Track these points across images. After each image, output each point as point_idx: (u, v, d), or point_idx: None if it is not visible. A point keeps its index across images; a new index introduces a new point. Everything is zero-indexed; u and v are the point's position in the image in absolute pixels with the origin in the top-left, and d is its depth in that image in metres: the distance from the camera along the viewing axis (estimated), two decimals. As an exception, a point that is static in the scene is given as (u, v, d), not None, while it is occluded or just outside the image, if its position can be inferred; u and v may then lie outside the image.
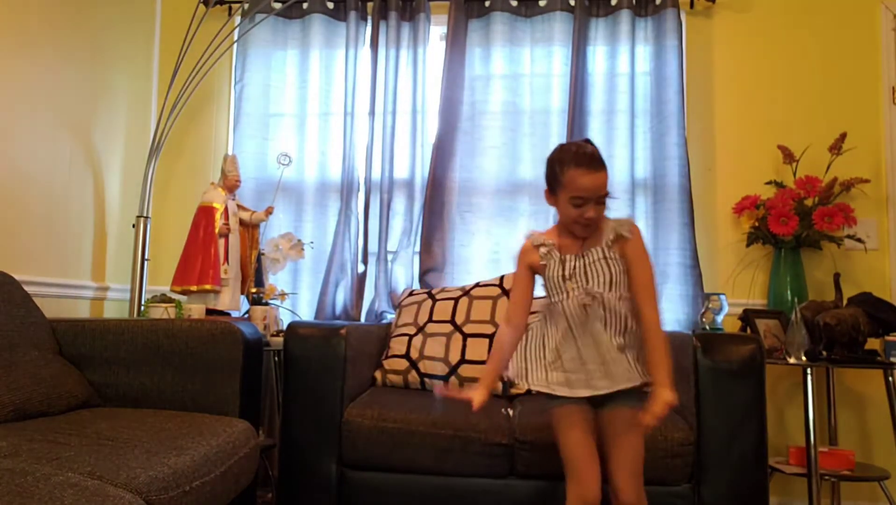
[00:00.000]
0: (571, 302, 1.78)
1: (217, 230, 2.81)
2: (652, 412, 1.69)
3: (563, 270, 1.79)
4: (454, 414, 2.17)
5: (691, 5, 3.20)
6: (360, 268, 3.16)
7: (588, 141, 1.81)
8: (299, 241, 3.06)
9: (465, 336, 2.62)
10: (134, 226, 3.02)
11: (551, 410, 1.84)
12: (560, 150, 1.81)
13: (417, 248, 3.15)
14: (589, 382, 1.77)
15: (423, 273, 3.11)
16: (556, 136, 3.14)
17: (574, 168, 1.73)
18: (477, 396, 1.84)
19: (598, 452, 1.80)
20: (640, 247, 1.80)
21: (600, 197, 1.74)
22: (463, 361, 2.56)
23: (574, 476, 1.79)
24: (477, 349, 2.57)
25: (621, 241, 1.79)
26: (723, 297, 2.83)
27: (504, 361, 1.89)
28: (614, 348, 1.75)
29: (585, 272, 1.78)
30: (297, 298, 3.22)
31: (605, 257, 1.78)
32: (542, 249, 1.83)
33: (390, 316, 3.10)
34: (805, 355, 2.47)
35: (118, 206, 3.19)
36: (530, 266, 1.87)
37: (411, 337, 2.69)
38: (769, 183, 3.07)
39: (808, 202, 2.92)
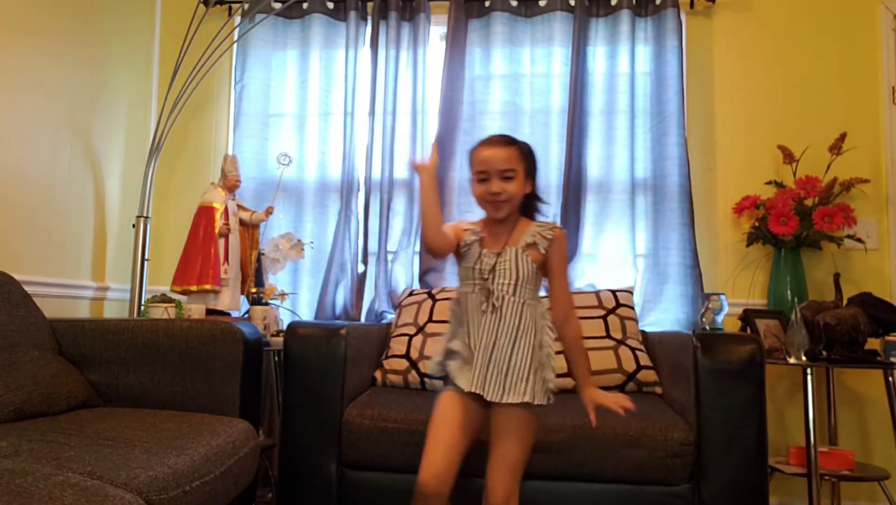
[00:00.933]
0: (474, 297, 1.79)
1: (217, 230, 2.81)
2: (595, 409, 1.80)
3: (480, 264, 1.80)
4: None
5: (691, 5, 3.20)
6: (361, 268, 3.16)
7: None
8: (299, 241, 3.06)
9: (465, 336, 2.61)
10: (134, 226, 3.02)
11: (439, 395, 1.84)
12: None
13: (417, 248, 3.15)
14: (476, 377, 1.75)
15: (423, 273, 3.11)
16: (557, 136, 3.14)
17: (478, 146, 1.83)
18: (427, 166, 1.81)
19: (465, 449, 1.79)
20: (560, 253, 1.84)
21: (503, 172, 1.77)
22: (463, 361, 2.56)
23: (422, 461, 1.76)
24: (477, 349, 2.57)
25: (537, 246, 1.81)
26: (723, 297, 2.83)
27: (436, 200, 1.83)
28: (508, 352, 1.75)
29: (494, 270, 1.79)
30: (297, 298, 3.22)
31: (516, 259, 1.79)
32: (469, 236, 1.84)
33: (390, 316, 3.10)
34: (805, 355, 2.47)
35: (118, 206, 3.19)
36: (457, 238, 1.85)
37: (411, 337, 2.69)
38: (769, 183, 3.07)
39: (808, 202, 2.92)
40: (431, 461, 1.74)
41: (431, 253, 1.86)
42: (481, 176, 1.79)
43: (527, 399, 1.74)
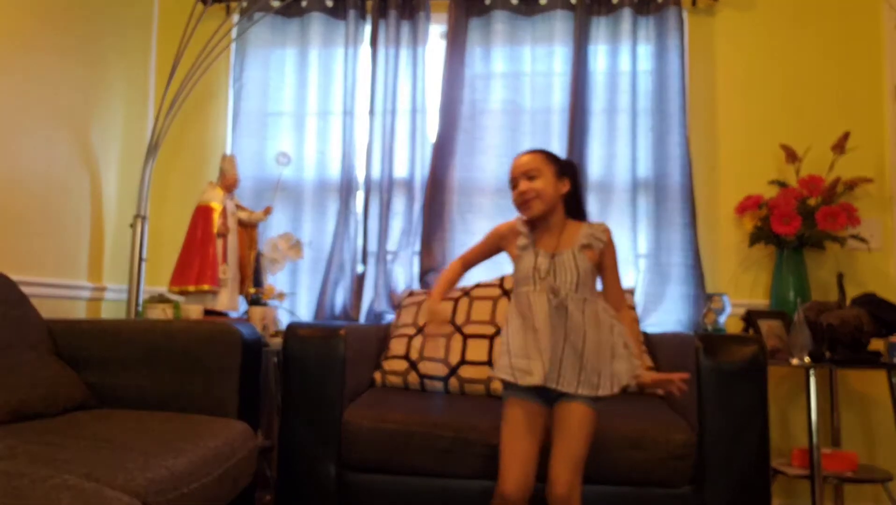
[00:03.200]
0: (537, 296, 1.87)
1: (215, 230, 2.80)
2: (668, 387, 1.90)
3: (537, 264, 1.90)
4: (454, 415, 2.16)
5: (693, 3, 3.19)
6: (360, 268, 3.14)
7: None
8: (298, 241, 3.05)
9: (465, 337, 2.60)
10: (131, 226, 3.00)
11: (503, 402, 1.91)
12: None
13: (417, 249, 3.14)
14: (549, 371, 1.82)
15: (423, 273, 3.10)
16: (557, 135, 3.13)
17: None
18: (432, 304, 2.00)
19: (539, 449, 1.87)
20: (613, 253, 1.99)
21: (526, 173, 1.92)
22: (463, 361, 2.55)
23: (502, 470, 1.84)
24: (477, 350, 2.56)
25: (592, 247, 1.93)
26: (725, 297, 2.82)
27: (450, 285, 2.07)
28: (580, 347, 1.83)
29: (555, 270, 1.88)
30: (295, 298, 3.20)
31: (574, 259, 1.89)
32: (522, 241, 1.95)
33: (390, 316, 3.08)
34: (808, 356, 2.46)
35: (115, 206, 3.17)
36: (501, 245, 2.02)
37: (411, 338, 2.67)
38: (772, 182, 3.06)
39: (811, 202, 2.91)
40: (513, 474, 1.82)
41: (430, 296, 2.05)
42: (513, 183, 1.95)
43: (600, 393, 1.84)
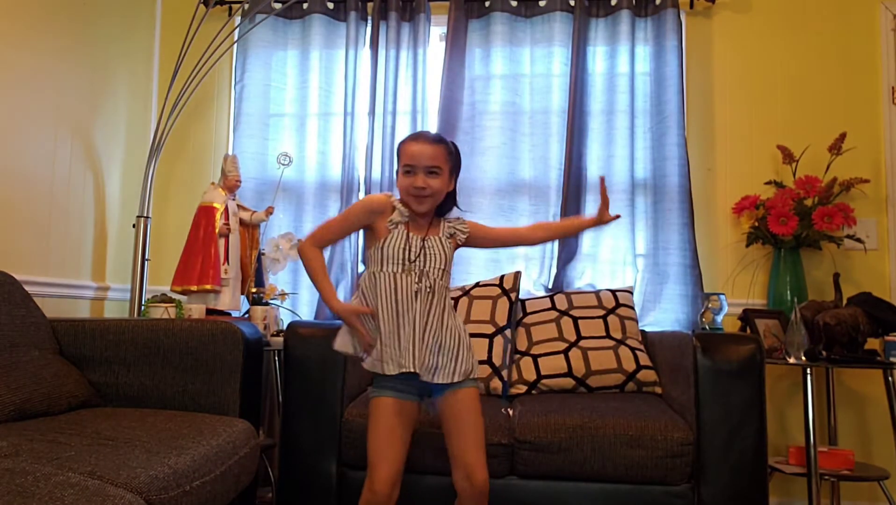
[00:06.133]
0: (405, 279, 1.82)
1: (217, 230, 2.81)
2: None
3: (409, 246, 1.84)
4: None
5: (691, 5, 3.20)
6: (360, 268, 3.16)
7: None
8: (299, 240, 3.05)
9: (465, 336, 2.62)
10: (134, 226, 3.02)
11: (373, 399, 1.85)
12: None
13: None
14: (419, 361, 1.79)
15: (423, 273, 3.10)
16: (557, 136, 3.14)
17: (406, 141, 1.88)
18: (350, 308, 1.89)
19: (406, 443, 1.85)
20: (481, 225, 2.02)
21: (429, 168, 1.82)
22: (463, 360, 2.56)
23: (374, 470, 1.82)
24: (477, 349, 2.57)
25: (456, 237, 1.93)
26: (722, 297, 2.84)
27: (327, 277, 1.99)
28: (441, 334, 1.82)
29: (425, 255, 1.84)
30: (297, 297, 3.22)
31: (441, 245, 1.87)
32: (396, 217, 1.86)
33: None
34: (805, 355, 2.47)
35: (118, 206, 3.19)
36: (372, 220, 1.89)
37: (411, 337, 2.68)
38: (769, 183, 3.07)
39: (808, 202, 2.92)
40: (384, 475, 1.80)
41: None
42: (407, 169, 1.84)
43: (474, 375, 1.87)
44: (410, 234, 1.85)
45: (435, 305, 1.82)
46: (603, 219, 2.02)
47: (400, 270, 1.82)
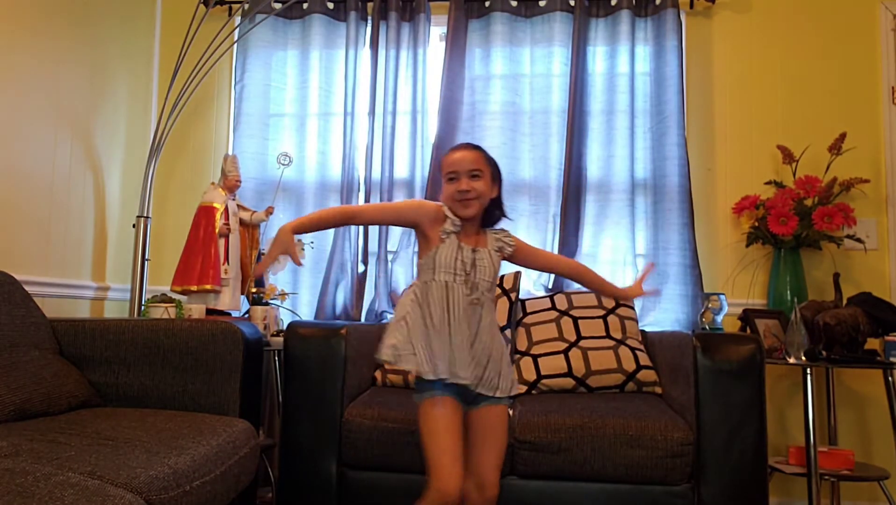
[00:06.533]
0: (457, 289, 1.81)
1: (217, 230, 2.81)
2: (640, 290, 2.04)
3: (461, 256, 1.83)
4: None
5: (691, 6, 3.21)
6: (361, 268, 3.16)
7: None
8: (299, 241, 3.06)
9: (465, 336, 2.62)
10: (134, 226, 3.02)
11: (424, 401, 1.79)
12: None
13: (417, 249, 3.15)
14: (472, 373, 1.79)
15: (423, 273, 3.10)
16: (556, 136, 3.14)
17: (447, 154, 1.90)
18: (283, 232, 1.82)
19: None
20: (525, 244, 2.00)
21: (471, 171, 1.84)
22: (463, 360, 2.56)
23: (437, 476, 1.75)
24: (477, 349, 2.57)
25: (503, 251, 1.92)
26: (722, 297, 2.84)
27: (318, 224, 1.88)
28: (490, 347, 1.82)
29: (475, 267, 1.84)
30: (297, 298, 3.22)
31: (490, 259, 1.87)
32: (449, 226, 1.85)
33: (390, 316, 3.10)
34: (805, 355, 2.47)
35: (118, 206, 3.19)
36: (421, 221, 1.86)
37: (411, 337, 2.69)
38: (769, 183, 3.07)
39: (808, 202, 2.92)
40: (453, 472, 1.75)
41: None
42: (451, 176, 1.86)
43: (513, 393, 1.87)
44: (462, 245, 1.85)
45: (484, 318, 1.83)
46: (637, 293, 2.04)
47: (452, 280, 1.83)
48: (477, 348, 1.80)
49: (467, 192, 1.83)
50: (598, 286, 2.06)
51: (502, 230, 1.97)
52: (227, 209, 2.88)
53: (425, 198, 3.12)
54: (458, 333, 1.78)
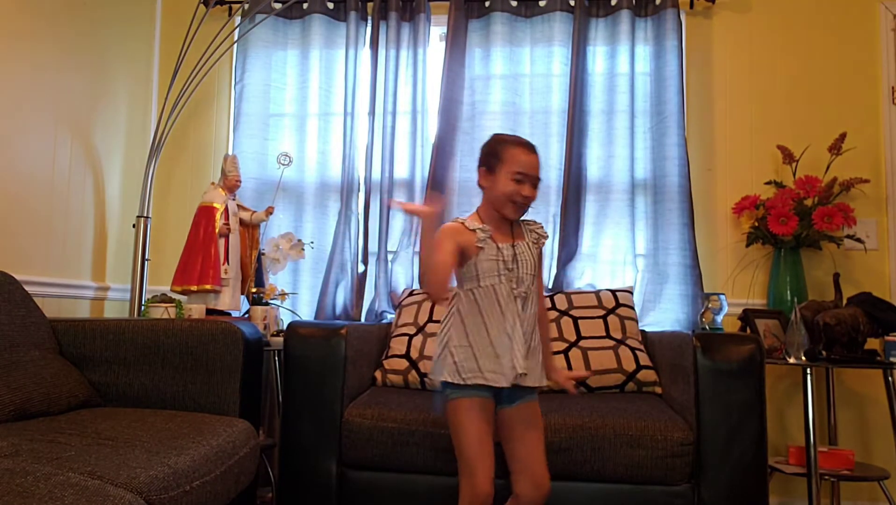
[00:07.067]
0: (503, 288, 1.83)
1: (217, 230, 2.81)
2: (571, 379, 2.00)
3: (502, 255, 1.84)
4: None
5: (691, 6, 3.21)
6: (361, 268, 3.16)
7: None
8: (299, 241, 3.06)
9: (465, 336, 2.62)
10: (134, 226, 3.02)
11: (456, 400, 1.82)
12: (499, 135, 1.94)
13: (417, 249, 3.15)
14: (520, 365, 1.80)
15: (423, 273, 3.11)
16: (557, 136, 3.14)
17: (516, 147, 1.86)
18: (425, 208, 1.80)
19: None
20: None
21: (536, 179, 1.85)
22: (463, 360, 2.56)
23: (471, 471, 1.79)
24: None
25: (539, 243, 1.94)
26: (722, 297, 2.84)
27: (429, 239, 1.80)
28: (533, 339, 1.85)
29: (517, 261, 1.85)
30: (297, 298, 3.22)
31: (529, 251, 1.89)
32: (480, 234, 1.84)
33: (390, 316, 3.10)
34: (805, 355, 2.47)
35: (118, 206, 3.19)
36: (461, 245, 1.83)
37: (411, 337, 2.69)
38: (769, 183, 3.07)
39: (808, 202, 2.92)
40: (487, 473, 1.79)
41: (434, 296, 1.82)
42: (519, 178, 1.83)
43: (543, 383, 1.89)
44: (499, 245, 1.85)
45: (529, 310, 1.85)
46: (558, 380, 2.00)
47: (498, 282, 1.83)
48: (529, 341, 1.83)
49: (529, 199, 1.85)
50: (543, 341, 1.94)
51: (532, 221, 1.97)
52: (227, 209, 2.88)
53: (424, 198, 3.12)
54: (514, 331, 1.81)
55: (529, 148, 1.87)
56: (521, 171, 1.83)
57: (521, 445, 1.86)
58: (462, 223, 1.86)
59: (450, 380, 1.82)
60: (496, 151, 1.87)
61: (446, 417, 1.87)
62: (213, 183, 2.97)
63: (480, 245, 1.84)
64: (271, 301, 3.00)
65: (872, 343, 2.62)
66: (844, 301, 2.69)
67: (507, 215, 1.87)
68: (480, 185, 1.91)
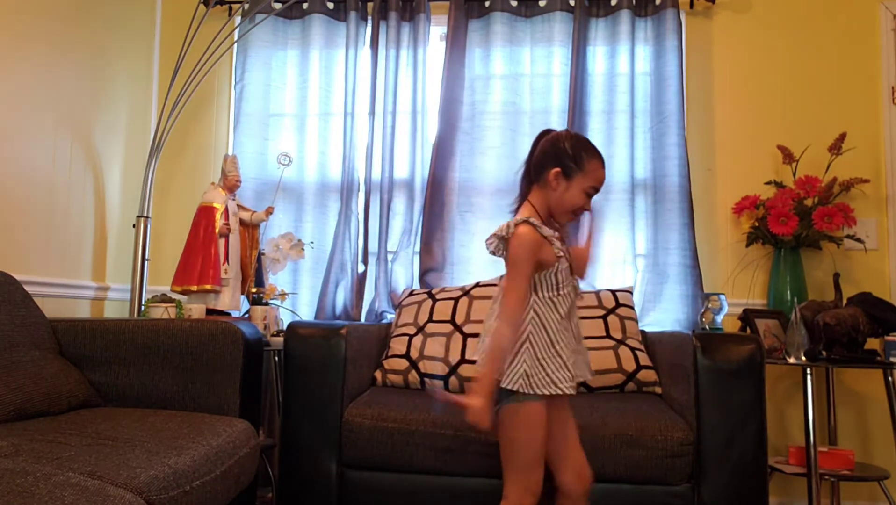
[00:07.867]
0: (573, 294, 1.82)
1: (217, 230, 2.81)
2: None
3: (569, 262, 1.81)
4: (454, 414, 2.18)
5: (691, 6, 3.21)
6: (361, 268, 3.16)
7: None
8: (299, 241, 3.06)
9: (465, 336, 2.62)
10: (134, 226, 3.02)
11: (529, 403, 1.73)
12: (578, 138, 1.80)
13: (417, 249, 3.16)
14: (587, 368, 1.85)
15: (423, 273, 3.11)
16: (556, 136, 3.14)
17: (598, 160, 1.79)
18: (476, 402, 1.67)
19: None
20: None
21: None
22: (463, 360, 2.57)
23: (528, 473, 1.76)
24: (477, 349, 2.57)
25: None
26: (722, 297, 2.84)
27: (503, 365, 1.73)
28: (582, 338, 1.86)
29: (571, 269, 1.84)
30: (297, 298, 3.22)
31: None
32: (558, 243, 1.77)
33: (390, 316, 3.10)
34: (805, 355, 2.47)
35: (118, 206, 3.19)
36: (540, 260, 1.73)
37: (411, 337, 2.69)
38: (769, 183, 3.07)
39: (808, 202, 2.92)
40: (541, 477, 1.77)
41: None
42: (591, 192, 1.79)
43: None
44: (566, 251, 1.82)
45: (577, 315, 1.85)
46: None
47: (571, 289, 1.80)
48: (582, 344, 1.85)
49: (585, 208, 1.81)
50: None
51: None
52: (227, 209, 2.88)
53: (425, 198, 3.12)
54: (580, 337, 1.83)
55: (603, 162, 1.81)
56: (595, 187, 1.78)
57: (562, 441, 1.87)
58: (536, 229, 1.73)
59: (545, 392, 1.72)
60: (579, 158, 1.76)
61: (501, 419, 1.75)
62: (213, 183, 2.97)
63: (560, 254, 1.76)
64: (271, 301, 3.00)
65: (872, 343, 2.62)
66: (844, 301, 2.69)
67: (559, 220, 1.83)
68: (544, 183, 1.79)
